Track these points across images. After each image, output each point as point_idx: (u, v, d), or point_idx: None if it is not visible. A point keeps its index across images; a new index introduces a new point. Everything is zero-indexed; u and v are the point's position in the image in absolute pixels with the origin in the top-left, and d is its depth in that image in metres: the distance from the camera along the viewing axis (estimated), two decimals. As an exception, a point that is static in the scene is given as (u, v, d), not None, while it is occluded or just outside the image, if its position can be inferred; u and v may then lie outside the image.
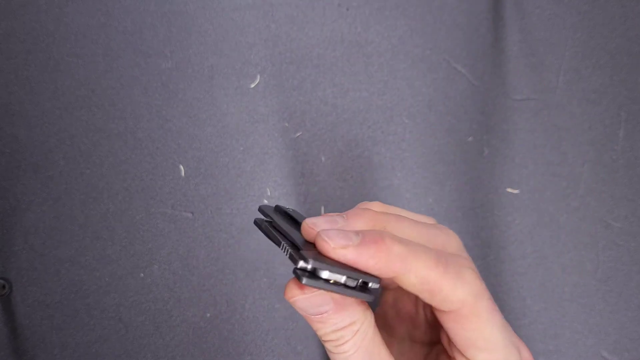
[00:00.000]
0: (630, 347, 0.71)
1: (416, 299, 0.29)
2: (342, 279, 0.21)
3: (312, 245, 0.22)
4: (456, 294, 0.21)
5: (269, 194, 0.75)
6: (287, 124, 0.75)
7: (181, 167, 0.75)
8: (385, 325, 0.30)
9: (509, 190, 0.75)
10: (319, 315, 0.22)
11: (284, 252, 0.22)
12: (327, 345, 0.23)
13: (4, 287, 0.73)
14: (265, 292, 0.74)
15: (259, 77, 0.76)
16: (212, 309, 0.74)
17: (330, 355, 0.23)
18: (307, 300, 0.22)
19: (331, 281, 0.21)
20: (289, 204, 0.74)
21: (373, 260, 0.21)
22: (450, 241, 0.26)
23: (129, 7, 0.77)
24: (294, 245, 0.22)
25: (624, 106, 0.75)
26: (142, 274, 0.74)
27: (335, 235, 0.21)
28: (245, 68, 0.76)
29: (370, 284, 0.22)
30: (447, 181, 0.75)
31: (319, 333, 0.23)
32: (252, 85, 0.76)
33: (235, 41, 0.77)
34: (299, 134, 0.75)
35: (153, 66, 0.76)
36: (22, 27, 0.77)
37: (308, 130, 0.75)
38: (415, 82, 0.76)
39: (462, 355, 0.23)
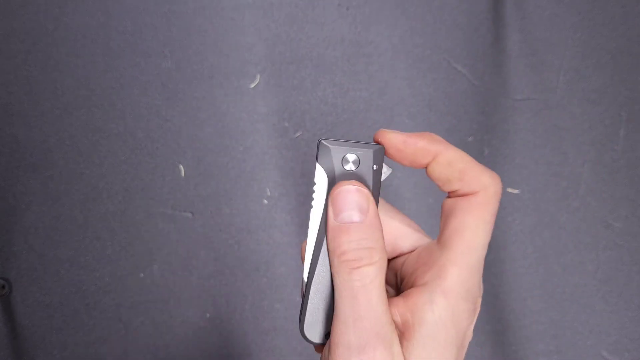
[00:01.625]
0: (631, 347, 0.71)
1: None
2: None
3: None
4: (482, 178, 0.23)
5: (269, 194, 0.75)
6: (287, 124, 0.75)
7: (181, 167, 0.75)
8: None
9: (509, 190, 0.74)
10: (351, 224, 0.23)
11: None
12: (344, 268, 0.23)
13: (3, 287, 0.73)
14: (265, 292, 0.74)
15: (259, 77, 0.76)
16: (212, 309, 0.74)
17: (339, 283, 0.23)
18: (351, 193, 0.24)
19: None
20: (289, 204, 0.74)
21: (424, 140, 0.25)
22: None
23: (129, 7, 0.77)
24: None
25: (625, 106, 0.75)
26: (142, 274, 0.74)
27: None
28: (245, 68, 0.76)
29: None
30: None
31: (342, 248, 0.23)
32: (252, 85, 0.76)
33: (235, 41, 0.76)
34: (299, 134, 0.75)
35: (153, 66, 0.76)
36: (22, 27, 0.77)
37: (308, 130, 0.75)
38: (415, 82, 0.76)
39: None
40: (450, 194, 0.26)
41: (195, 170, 0.75)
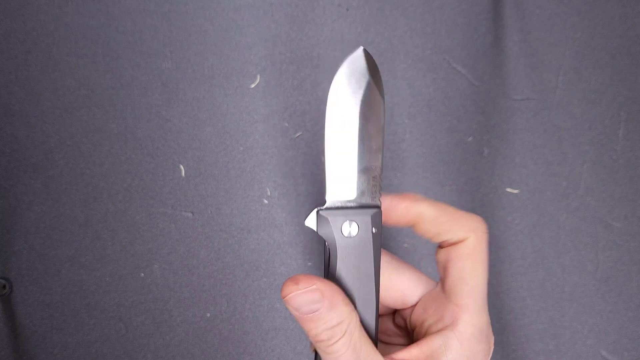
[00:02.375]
0: (630, 347, 0.71)
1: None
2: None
3: None
4: (468, 224, 0.24)
5: (269, 194, 0.75)
6: (287, 124, 0.75)
7: (181, 167, 0.76)
8: None
9: (509, 190, 0.75)
10: (312, 314, 0.24)
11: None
12: (321, 346, 0.24)
13: (4, 287, 0.73)
14: (265, 292, 0.74)
15: (259, 77, 0.76)
16: (212, 308, 0.74)
17: (324, 357, 0.24)
18: (301, 296, 0.24)
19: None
20: (289, 204, 0.74)
21: (404, 203, 0.26)
22: None
23: (129, 7, 0.77)
24: None
25: (624, 106, 0.75)
26: (142, 274, 0.74)
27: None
28: (245, 68, 0.76)
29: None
30: (447, 181, 0.75)
31: (312, 333, 0.24)
32: (252, 85, 0.76)
33: (235, 41, 0.77)
34: (299, 134, 0.75)
35: (153, 66, 0.76)
36: (22, 27, 0.77)
37: (308, 130, 0.75)
38: (415, 82, 0.76)
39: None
40: (441, 244, 0.27)
41: (195, 170, 0.75)
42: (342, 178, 0.27)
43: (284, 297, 0.24)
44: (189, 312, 0.73)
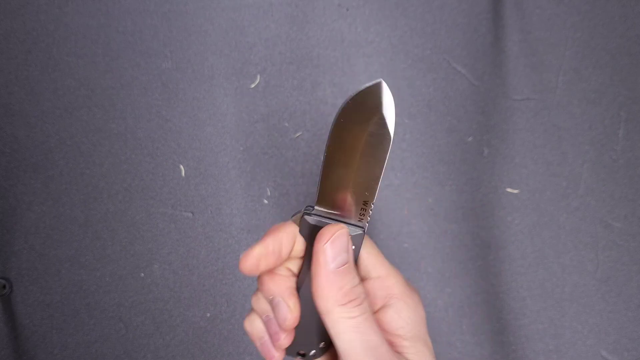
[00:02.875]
0: (630, 347, 0.71)
1: None
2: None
3: None
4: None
5: (269, 194, 0.75)
6: (287, 124, 0.75)
7: (181, 167, 0.76)
8: None
9: (509, 190, 0.75)
10: (343, 267, 0.24)
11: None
12: (347, 309, 0.24)
13: (4, 287, 0.73)
14: (265, 292, 0.74)
15: (259, 77, 0.76)
16: (212, 308, 0.74)
17: (345, 327, 0.24)
18: (337, 240, 0.25)
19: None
20: (288, 204, 0.74)
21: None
22: None
23: (129, 7, 0.77)
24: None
25: (624, 106, 0.75)
26: (142, 274, 0.74)
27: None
28: (245, 68, 0.76)
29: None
30: (447, 181, 0.75)
31: (343, 291, 0.24)
32: (252, 85, 0.76)
33: (235, 41, 0.77)
34: (299, 134, 0.75)
35: (153, 66, 0.76)
36: (22, 27, 0.77)
37: (308, 130, 0.75)
38: (415, 82, 0.76)
39: None
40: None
41: (195, 170, 0.75)
42: (334, 192, 0.27)
43: (321, 247, 0.24)
44: (189, 312, 0.73)
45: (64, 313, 0.73)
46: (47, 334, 0.73)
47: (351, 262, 0.26)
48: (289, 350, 0.28)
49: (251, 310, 0.29)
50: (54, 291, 0.73)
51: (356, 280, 0.25)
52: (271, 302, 0.26)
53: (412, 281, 0.75)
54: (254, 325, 0.28)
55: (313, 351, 0.28)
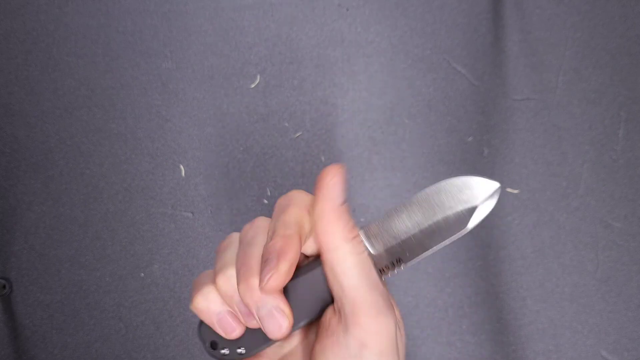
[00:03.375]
0: (630, 346, 0.71)
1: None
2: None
3: None
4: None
5: (269, 194, 0.75)
6: (287, 124, 0.75)
7: (181, 167, 0.76)
8: None
9: (509, 190, 0.75)
10: (344, 205, 0.25)
11: None
12: (353, 245, 0.24)
13: (4, 287, 0.73)
14: (265, 292, 0.74)
15: (259, 77, 0.76)
16: (212, 308, 0.74)
17: (353, 263, 0.24)
18: (337, 182, 0.25)
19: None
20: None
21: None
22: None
23: (129, 7, 0.77)
24: None
25: (624, 106, 0.75)
26: (142, 274, 0.74)
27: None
28: (245, 68, 0.76)
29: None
30: (447, 181, 0.75)
31: (348, 228, 0.24)
32: (252, 85, 0.76)
33: (235, 41, 0.77)
34: (299, 134, 0.75)
35: (153, 66, 0.76)
36: (22, 27, 0.77)
37: (308, 130, 0.75)
38: (415, 82, 0.76)
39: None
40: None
41: (195, 170, 0.75)
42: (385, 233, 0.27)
43: (330, 182, 0.24)
44: (189, 312, 0.73)
45: (64, 313, 0.73)
46: (47, 334, 0.73)
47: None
48: (221, 344, 0.27)
49: (202, 285, 0.28)
50: (54, 291, 0.73)
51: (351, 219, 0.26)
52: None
53: (412, 281, 0.75)
54: (210, 299, 0.26)
55: (241, 350, 0.27)
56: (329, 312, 0.25)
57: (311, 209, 0.26)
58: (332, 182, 0.25)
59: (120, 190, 0.74)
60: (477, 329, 0.72)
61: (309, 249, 0.27)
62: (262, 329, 0.25)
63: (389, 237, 0.27)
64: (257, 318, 0.24)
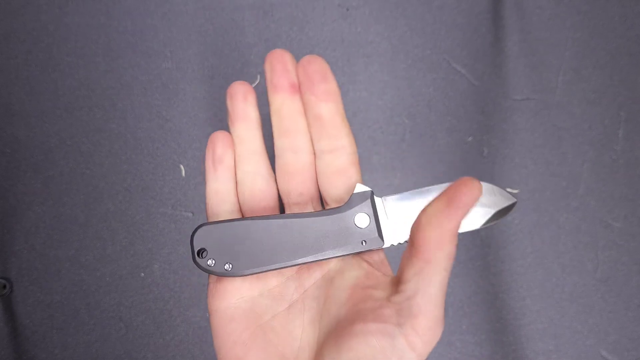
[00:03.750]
0: (630, 346, 0.72)
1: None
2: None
3: None
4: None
5: (269, 193, 0.75)
6: (287, 124, 0.75)
7: (181, 167, 0.76)
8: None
9: (509, 190, 0.75)
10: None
11: None
12: (448, 255, 0.24)
13: (4, 286, 0.73)
14: (266, 291, 0.74)
15: (259, 77, 0.76)
16: (212, 308, 0.74)
17: (442, 268, 0.24)
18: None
19: None
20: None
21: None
22: None
23: (129, 7, 0.77)
24: None
25: (624, 106, 0.75)
26: (142, 274, 0.74)
27: None
28: (245, 68, 0.76)
29: None
30: (447, 181, 0.75)
31: (453, 236, 0.24)
32: (252, 85, 0.76)
33: (236, 41, 0.77)
34: (299, 134, 0.75)
35: (153, 66, 0.76)
36: (22, 27, 0.77)
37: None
38: (415, 82, 0.76)
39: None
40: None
41: (195, 170, 0.75)
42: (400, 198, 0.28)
43: (473, 196, 0.23)
44: (189, 312, 0.73)
45: (64, 313, 0.73)
46: (47, 334, 0.73)
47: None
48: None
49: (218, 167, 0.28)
50: (54, 291, 0.74)
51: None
52: None
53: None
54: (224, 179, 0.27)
55: (228, 266, 0.27)
56: (380, 296, 0.25)
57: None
58: (470, 196, 0.23)
59: (120, 190, 0.74)
60: (477, 328, 0.72)
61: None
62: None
63: (406, 211, 0.28)
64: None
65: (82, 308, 0.73)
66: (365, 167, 0.75)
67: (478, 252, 0.73)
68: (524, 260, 0.73)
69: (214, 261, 0.27)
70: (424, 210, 0.25)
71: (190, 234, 0.27)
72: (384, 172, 0.74)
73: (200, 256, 0.27)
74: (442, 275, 0.24)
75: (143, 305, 0.74)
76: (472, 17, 0.77)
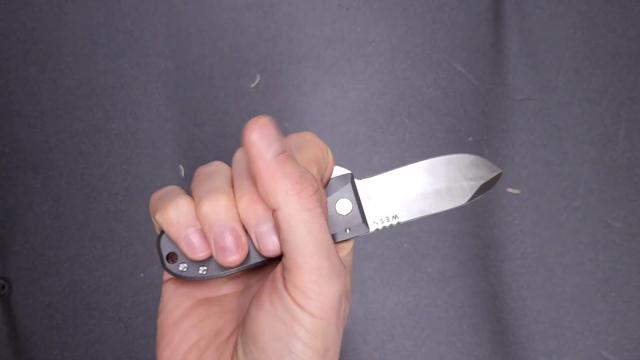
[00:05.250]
0: (631, 347, 0.71)
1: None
2: None
3: None
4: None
5: (269, 194, 0.75)
6: (287, 124, 0.75)
7: (181, 167, 0.75)
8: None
9: (509, 190, 0.74)
10: (281, 155, 0.22)
11: None
12: (300, 200, 0.22)
13: (4, 287, 0.73)
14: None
15: (259, 77, 0.76)
16: (212, 309, 0.74)
17: (299, 221, 0.21)
18: (263, 129, 0.22)
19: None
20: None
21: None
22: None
23: (129, 7, 0.77)
24: None
25: (624, 106, 0.75)
26: (142, 274, 0.74)
27: None
28: (245, 68, 0.76)
29: None
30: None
31: (291, 180, 0.21)
32: (252, 85, 0.76)
33: (235, 41, 0.77)
34: (299, 134, 0.75)
35: (153, 66, 0.76)
36: (22, 27, 0.77)
37: (308, 130, 0.75)
38: (415, 82, 0.76)
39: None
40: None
41: (195, 171, 0.75)
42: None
43: (250, 139, 0.21)
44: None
45: (63, 313, 0.73)
46: (47, 334, 0.73)
47: (290, 152, 0.23)
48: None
49: (175, 196, 0.25)
50: (53, 291, 0.73)
51: (302, 168, 0.23)
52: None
53: (412, 281, 0.75)
54: (183, 212, 0.23)
55: (203, 270, 0.25)
56: (279, 266, 0.23)
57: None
58: (254, 136, 0.22)
59: (120, 190, 0.74)
60: (477, 329, 0.72)
61: None
62: (257, 245, 0.23)
63: (389, 191, 0.27)
64: (255, 235, 0.23)
65: (82, 308, 0.73)
66: (366, 167, 0.75)
67: (478, 252, 0.73)
68: (525, 260, 0.73)
69: (186, 265, 0.24)
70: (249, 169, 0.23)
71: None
72: (384, 172, 0.74)
73: (170, 261, 0.25)
74: (298, 217, 0.22)
75: (143, 305, 0.73)
76: (472, 17, 0.77)
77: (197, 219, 0.24)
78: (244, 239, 0.24)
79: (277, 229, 0.22)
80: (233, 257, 0.23)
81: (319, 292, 0.21)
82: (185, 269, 0.24)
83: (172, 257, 0.25)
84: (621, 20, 0.76)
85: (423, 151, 0.74)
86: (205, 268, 0.25)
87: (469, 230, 0.73)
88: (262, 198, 0.23)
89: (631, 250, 0.73)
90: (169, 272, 0.25)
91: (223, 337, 0.25)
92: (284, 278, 0.22)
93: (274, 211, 0.22)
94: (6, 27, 0.77)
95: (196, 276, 0.25)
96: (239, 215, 0.24)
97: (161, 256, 0.24)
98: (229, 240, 0.23)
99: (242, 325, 0.23)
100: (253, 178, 0.23)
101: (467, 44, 0.76)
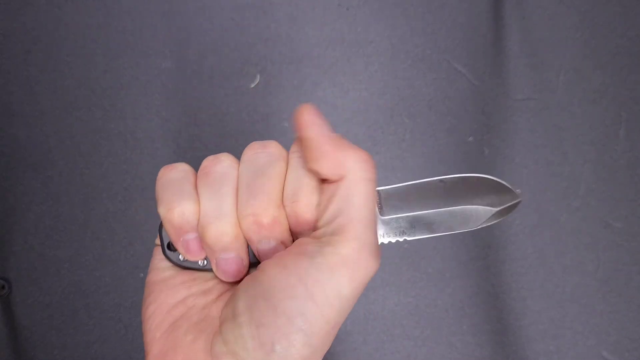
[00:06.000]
0: (631, 347, 0.71)
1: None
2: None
3: None
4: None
5: (269, 194, 0.75)
6: (287, 124, 0.75)
7: (181, 167, 0.75)
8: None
9: (510, 190, 0.74)
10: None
11: None
12: (364, 168, 0.22)
13: (3, 287, 0.73)
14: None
15: (259, 77, 0.76)
16: (212, 309, 0.74)
17: (364, 188, 0.22)
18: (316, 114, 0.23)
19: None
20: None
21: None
22: None
23: (129, 7, 0.77)
24: None
25: (625, 106, 0.75)
26: (142, 274, 0.74)
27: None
28: (245, 68, 0.76)
29: None
30: (447, 181, 0.75)
31: (355, 150, 0.22)
32: (252, 85, 0.76)
33: (235, 41, 0.76)
34: (299, 134, 0.75)
35: (153, 66, 0.76)
36: (22, 27, 0.77)
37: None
38: (415, 82, 0.76)
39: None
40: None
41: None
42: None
43: (310, 119, 0.22)
44: (189, 312, 0.73)
45: (63, 313, 0.73)
46: (46, 334, 0.73)
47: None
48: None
49: (183, 198, 0.25)
50: (53, 291, 0.73)
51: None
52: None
53: (412, 281, 0.75)
54: (188, 219, 0.24)
55: (204, 261, 0.25)
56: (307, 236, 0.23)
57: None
58: (318, 115, 0.23)
59: (120, 190, 0.74)
60: (477, 329, 0.72)
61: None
62: (258, 256, 0.24)
63: (402, 205, 0.26)
64: (257, 250, 0.24)
65: (81, 308, 0.73)
66: (366, 167, 0.75)
67: (479, 253, 0.73)
68: (525, 260, 0.73)
69: None
70: (306, 159, 0.23)
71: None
72: (384, 172, 0.74)
73: (171, 249, 0.25)
74: (363, 183, 0.22)
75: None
76: (473, 16, 0.76)
77: (202, 241, 0.24)
78: (245, 261, 0.24)
79: (330, 198, 0.22)
80: (234, 279, 0.24)
81: (358, 263, 0.21)
82: (185, 259, 0.25)
83: (172, 245, 0.25)
84: (621, 20, 0.76)
85: (423, 151, 0.74)
86: (205, 260, 0.25)
87: (469, 230, 0.73)
88: (317, 170, 0.23)
89: (631, 250, 0.73)
90: (169, 260, 0.25)
91: (212, 296, 0.25)
92: (322, 243, 0.22)
93: (330, 182, 0.22)
94: (6, 27, 0.77)
95: (196, 267, 0.25)
96: (241, 229, 0.24)
97: (162, 244, 0.25)
98: (232, 268, 0.24)
99: (250, 281, 0.23)
100: (309, 155, 0.23)
101: (467, 44, 0.76)
